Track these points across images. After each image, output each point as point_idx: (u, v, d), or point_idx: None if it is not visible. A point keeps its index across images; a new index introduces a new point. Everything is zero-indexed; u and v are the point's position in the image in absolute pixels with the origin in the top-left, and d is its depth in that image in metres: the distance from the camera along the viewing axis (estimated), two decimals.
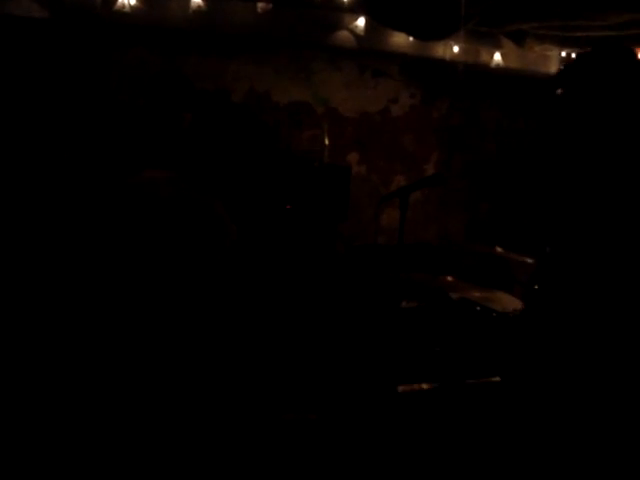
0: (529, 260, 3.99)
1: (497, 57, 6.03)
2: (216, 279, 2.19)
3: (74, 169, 4.90)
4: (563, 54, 6.18)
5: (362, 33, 5.42)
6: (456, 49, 5.83)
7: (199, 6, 4.82)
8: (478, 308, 3.85)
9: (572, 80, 1.86)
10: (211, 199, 2.29)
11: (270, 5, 5.07)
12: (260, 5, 5.05)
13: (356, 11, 5.32)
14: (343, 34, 5.44)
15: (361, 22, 5.37)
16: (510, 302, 3.97)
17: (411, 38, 5.64)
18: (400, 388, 3.44)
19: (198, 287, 2.14)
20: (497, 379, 3.39)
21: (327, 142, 5.85)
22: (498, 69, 6.10)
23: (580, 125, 1.82)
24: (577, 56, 1.96)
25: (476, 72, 6.10)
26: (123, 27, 4.88)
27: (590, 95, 1.80)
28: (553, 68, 6.37)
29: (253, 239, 4.59)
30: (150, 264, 2.12)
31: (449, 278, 4.50)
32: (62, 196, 4.73)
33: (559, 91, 1.87)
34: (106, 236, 2.18)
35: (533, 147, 5.70)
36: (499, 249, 4.57)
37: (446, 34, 5.30)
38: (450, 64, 5.95)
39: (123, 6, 4.55)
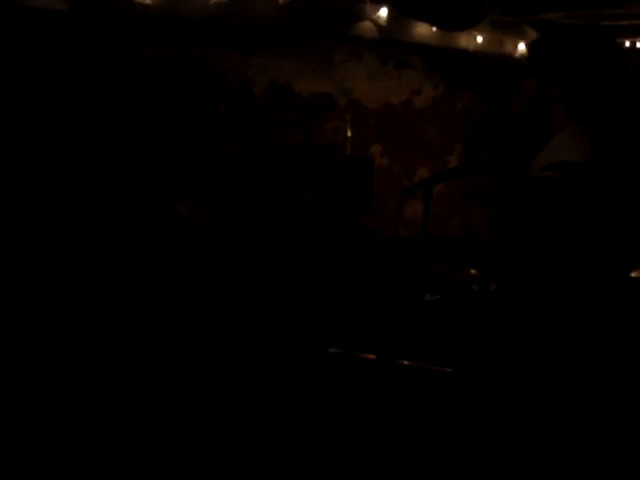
0: None
1: (522, 47, 5.97)
2: None
3: (98, 162, 4.90)
4: None
5: (385, 24, 5.38)
6: (480, 39, 5.78)
7: None
8: None
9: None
10: None
11: None
12: None
13: (378, 1, 5.29)
14: (365, 25, 5.40)
15: (384, 12, 5.33)
16: None
17: (434, 28, 5.60)
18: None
19: None
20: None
21: (350, 134, 5.81)
22: (523, 59, 6.04)
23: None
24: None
25: (500, 62, 6.04)
26: (144, 19, 4.87)
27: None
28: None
29: (275, 232, 4.56)
30: None
31: (472, 271, 4.46)
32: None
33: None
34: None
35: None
36: None
37: (470, 24, 5.25)
38: (474, 55, 5.90)
39: None
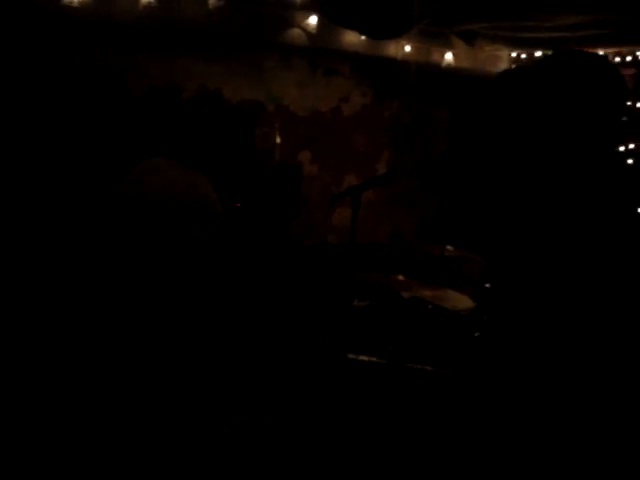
0: (479, 258, 4.02)
1: (448, 57, 6.08)
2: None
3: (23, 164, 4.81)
4: (513, 54, 6.25)
5: (314, 31, 5.43)
6: (408, 48, 5.87)
7: (149, 2, 4.78)
8: (430, 307, 3.86)
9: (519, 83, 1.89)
10: (201, 179, 2.33)
11: (222, 2, 5.04)
12: (211, 2, 5.02)
13: (308, 9, 5.32)
14: (295, 32, 5.43)
15: (313, 20, 5.38)
16: (461, 301, 3.99)
17: (363, 37, 5.65)
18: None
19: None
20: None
21: (278, 140, 5.83)
22: (449, 69, 6.14)
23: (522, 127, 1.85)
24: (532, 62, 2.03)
25: (427, 71, 6.14)
26: (71, 22, 4.81)
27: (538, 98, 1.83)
28: (503, 68, 6.43)
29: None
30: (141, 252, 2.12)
31: (400, 277, 4.50)
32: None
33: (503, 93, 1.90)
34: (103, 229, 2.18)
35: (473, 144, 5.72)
36: (450, 247, 4.60)
37: (398, 33, 5.31)
38: (402, 63, 5.98)
39: (71, 0, 4.49)
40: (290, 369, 3.96)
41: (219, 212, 2.39)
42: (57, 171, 4.77)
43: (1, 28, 4.76)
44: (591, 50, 5.87)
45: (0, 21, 4.70)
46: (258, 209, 5.08)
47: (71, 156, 4.82)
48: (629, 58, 5.70)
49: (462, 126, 1.81)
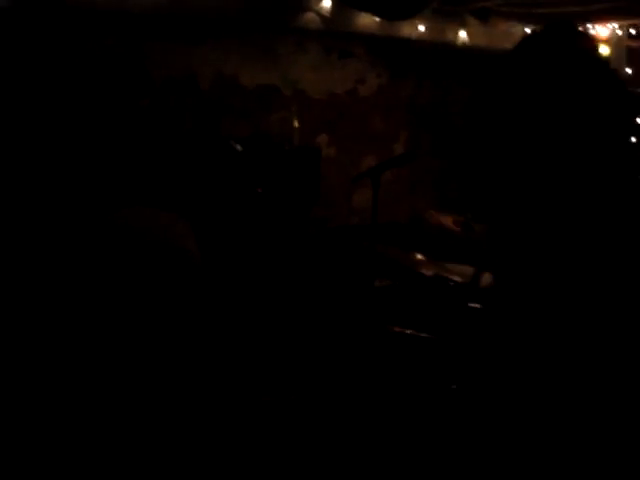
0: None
1: (462, 35, 6.08)
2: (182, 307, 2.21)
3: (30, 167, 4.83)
4: (527, 30, 6.24)
5: (328, 14, 5.44)
6: (422, 28, 5.87)
7: None
8: (452, 283, 3.90)
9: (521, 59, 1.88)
10: (178, 232, 2.31)
11: None
12: None
13: None
14: (309, 16, 5.45)
15: (327, 3, 5.39)
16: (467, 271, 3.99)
17: (377, 18, 5.66)
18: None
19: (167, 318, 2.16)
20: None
21: (296, 124, 5.86)
22: (464, 47, 6.14)
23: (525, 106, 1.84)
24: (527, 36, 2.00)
25: (442, 50, 6.15)
26: (88, 13, 4.84)
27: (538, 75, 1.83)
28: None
29: (225, 226, 4.60)
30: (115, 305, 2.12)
31: (419, 255, 4.54)
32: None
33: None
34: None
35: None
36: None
37: (411, 13, 5.33)
38: (416, 43, 5.99)
39: None
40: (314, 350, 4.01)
41: (197, 263, 2.35)
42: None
43: (18, 26, 4.79)
44: (606, 23, 5.87)
45: (16, 18, 4.74)
46: (279, 193, 5.12)
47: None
48: None
49: (478, 105, 1.80)
